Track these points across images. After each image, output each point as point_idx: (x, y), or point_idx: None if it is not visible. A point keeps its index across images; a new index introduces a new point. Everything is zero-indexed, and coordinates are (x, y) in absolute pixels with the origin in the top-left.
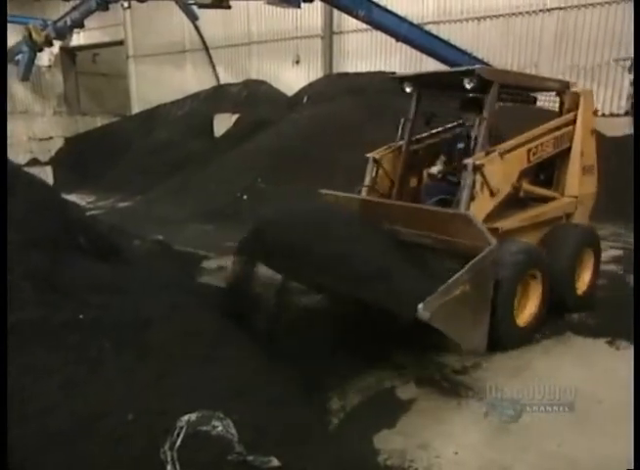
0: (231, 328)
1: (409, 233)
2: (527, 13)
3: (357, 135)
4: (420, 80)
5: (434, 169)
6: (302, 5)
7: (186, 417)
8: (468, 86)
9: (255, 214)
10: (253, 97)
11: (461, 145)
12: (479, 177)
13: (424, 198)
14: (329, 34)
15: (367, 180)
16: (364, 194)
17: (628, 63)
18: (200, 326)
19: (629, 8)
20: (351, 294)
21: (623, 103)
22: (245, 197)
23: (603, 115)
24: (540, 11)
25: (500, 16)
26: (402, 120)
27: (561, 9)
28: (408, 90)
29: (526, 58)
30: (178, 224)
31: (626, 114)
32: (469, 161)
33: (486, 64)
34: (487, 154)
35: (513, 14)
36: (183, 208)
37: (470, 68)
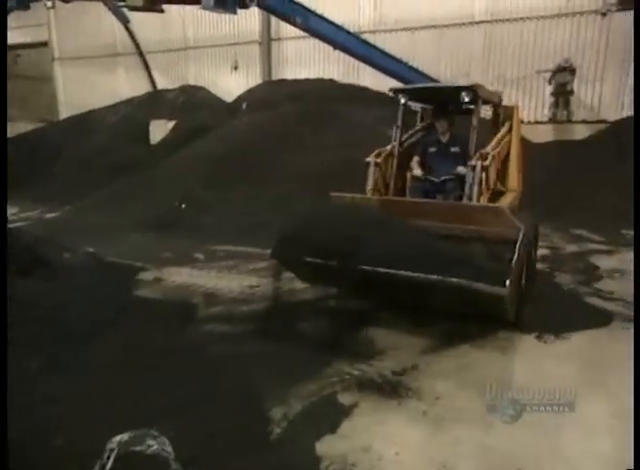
0: (167, 341)
1: (437, 226)
2: (458, 25)
3: (297, 141)
4: (414, 92)
5: (418, 172)
6: (239, 11)
7: (117, 438)
8: (466, 99)
9: (195, 223)
10: (191, 103)
11: (433, 149)
12: (484, 176)
13: (411, 197)
14: (267, 41)
15: (371, 182)
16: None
17: (548, 74)
18: (135, 341)
19: (549, 23)
20: (441, 278)
21: (546, 111)
22: (183, 205)
23: (529, 122)
24: (470, 23)
25: (433, 27)
26: (394, 127)
27: (488, 22)
28: (403, 101)
29: (459, 68)
30: (112, 235)
31: (549, 121)
32: (477, 162)
33: (423, 73)
34: (483, 156)
35: (445, 25)
36: (118, 217)
37: (468, 84)
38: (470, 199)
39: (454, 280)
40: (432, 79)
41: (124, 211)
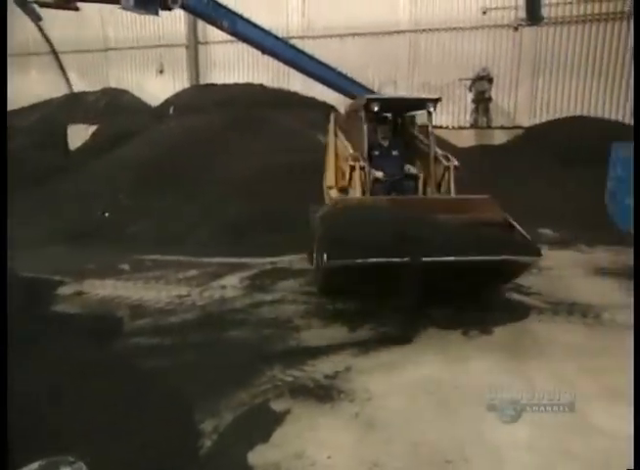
0: (89, 357)
1: (445, 217)
2: (384, 33)
3: (226, 146)
4: (385, 102)
5: (379, 174)
6: (164, 13)
7: (27, 467)
8: (431, 109)
9: (120, 232)
10: (114, 107)
11: (377, 152)
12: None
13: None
14: (194, 44)
15: (359, 184)
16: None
17: (469, 83)
18: (54, 359)
19: (468, 35)
20: (494, 257)
21: (468, 117)
22: (107, 214)
23: (453, 128)
24: (395, 32)
25: (361, 34)
26: (363, 132)
27: (412, 31)
28: (376, 109)
29: (386, 75)
30: (28, 248)
31: (471, 127)
32: (453, 163)
33: (352, 80)
34: (446, 158)
35: (372, 33)
36: (35, 229)
37: (434, 96)
38: (448, 192)
39: (505, 257)
40: (360, 86)
41: (42, 221)
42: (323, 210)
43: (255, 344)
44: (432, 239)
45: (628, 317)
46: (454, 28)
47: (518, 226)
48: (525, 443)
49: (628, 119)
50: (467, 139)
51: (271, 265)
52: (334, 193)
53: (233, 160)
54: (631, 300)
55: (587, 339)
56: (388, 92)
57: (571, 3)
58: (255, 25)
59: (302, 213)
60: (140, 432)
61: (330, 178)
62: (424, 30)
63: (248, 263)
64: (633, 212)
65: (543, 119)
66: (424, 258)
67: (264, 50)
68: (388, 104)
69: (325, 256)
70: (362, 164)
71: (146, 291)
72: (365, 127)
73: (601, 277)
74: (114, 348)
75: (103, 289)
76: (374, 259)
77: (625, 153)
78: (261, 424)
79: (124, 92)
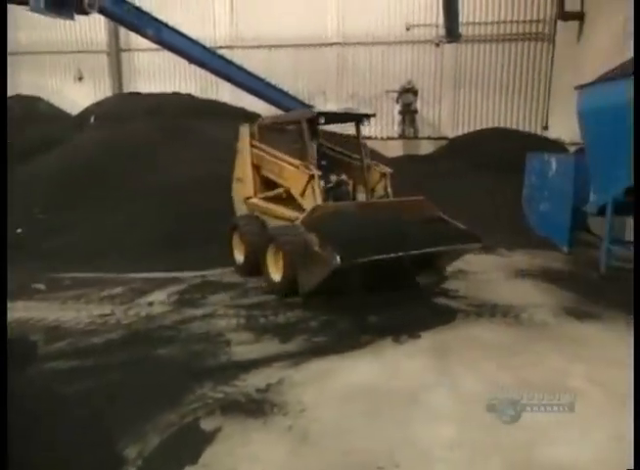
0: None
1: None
2: (313, 45)
3: (152, 157)
4: (330, 116)
5: (331, 181)
6: (81, 18)
7: None
8: (366, 123)
9: (35, 249)
10: (27, 116)
11: (324, 162)
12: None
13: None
14: (115, 51)
15: (319, 192)
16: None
17: (395, 95)
18: None
19: (393, 49)
20: (453, 247)
21: (396, 128)
22: (19, 230)
23: (382, 138)
24: (323, 44)
25: (290, 46)
26: (311, 145)
27: (339, 44)
28: (322, 121)
29: (316, 86)
30: None
31: (399, 137)
32: (388, 170)
33: (281, 90)
34: (377, 165)
35: (301, 45)
36: None
37: (370, 112)
38: (388, 196)
39: (461, 246)
40: (290, 96)
41: None
42: (310, 215)
43: (185, 361)
44: (409, 235)
45: (544, 316)
46: (380, 43)
47: (451, 220)
48: (452, 440)
49: (541, 131)
50: (396, 149)
51: (201, 279)
52: (262, 203)
53: (160, 170)
54: (547, 299)
55: (507, 338)
56: (318, 103)
57: (487, 23)
58: (182, 34)
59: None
60: (55, 466)
61: (249, 189)
62: (351, 44)
63: (177, 278)
64: (633, 212)
65: (465, 131)
66: (412, 252)
67: (191, 59)
68: (331, 117)
69: (338, 257)
70: (319, 173)
71: (64, 311)
72: (310, 139)
73: (520, 279)
74: (27, 374)
75: (14, 311)
76: (377, 257)
77: (538, 163)
78: (190, 445)
79: (38, 99)
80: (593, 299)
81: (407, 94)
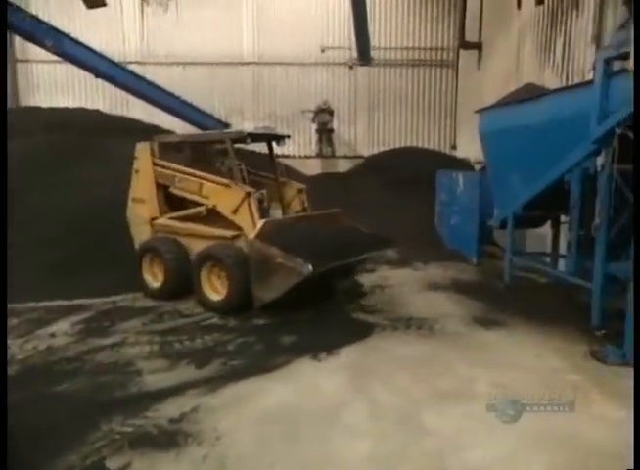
0: None
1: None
2: (229, 64)
3: (55, 177)
4: (255, 135)
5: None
6: None
7: None
8: (282, 144)
9: None
10: None
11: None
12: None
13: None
14: (12, 61)
15: (257, 209)
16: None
17: (312, 114)
18: None
19: (309, 69)
20: (375, 252)
21: (314, 147)
22: None
23: (299, 157)
24: (239, 63)
25: (205, 63)
26: (238, 166)
27: (255, 63)
28: (249, 141)
29: (232, 104)
30: None
31: (317, 156)
32: (303, 186)
33: (196, 108)
34: (290, 182)
35: (216, 63)
36: None
37: (287, 134)
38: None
39: (380, 251)
40: (206, 114)
41: None
42: (263, 230)
43: (89, 395)
44: (350, 244)
45: (456, 326)
46: (296, 63)
47: (363, 229)
48: (367, 454)
49: (449, 150)
50: (314, 167)
51: (111, 305)
52: (175, 223)
53: (64, 189)
54: (458, 309)
55: (421, 350)
56: (235, 121)
57: (397, 48)
58: (87, 47)
59: None
60: None
61: (153, 210)
62: (268, 63)
63: (83, 305)
64: (633, 213)
65: (380, 149)
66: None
67: (97, 73)
68: (256, 137)
69: (309, 266)
70: (254, 190)
71: None
72: (235, 158)
73: (433, 291)
74: None
75: None
76: (335, 264)
77: (447, 180)
78: None
79: None
80: (499, 307)
81: (323, 114)
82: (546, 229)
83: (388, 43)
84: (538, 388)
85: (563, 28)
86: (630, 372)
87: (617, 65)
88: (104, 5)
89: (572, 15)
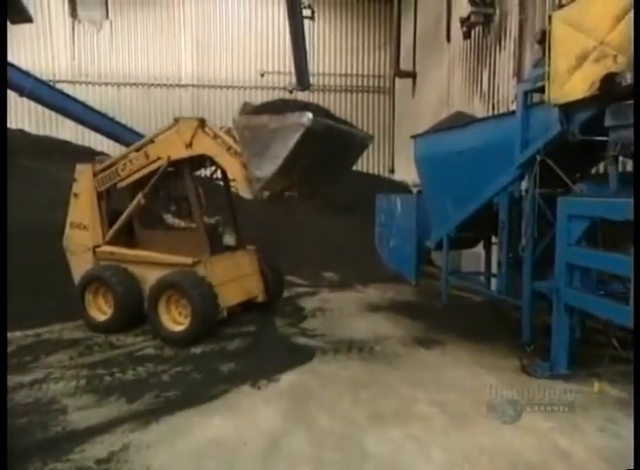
0: None
1: None
2: (166, 85)
3: None
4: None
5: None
6: None
7: None
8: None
9: None
10: None
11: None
12: None
13: None
14: None
15: None
16: None
17: None
18: None
19: (249, 93)
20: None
21: None
22: None
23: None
24: (177, 85)
25: (139, 84)
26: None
27: (194, 86)
28: (207, 165)
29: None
30: None
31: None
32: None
33: (130, 129)
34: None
35: (152, 84)
36: None
37: None
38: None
39: None
40: (140, 136)
41: None
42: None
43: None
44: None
45: (395, 347)
46: (236, 86)
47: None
48: None
49: (388, 174)
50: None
51: (34, 338)
52: (126, 251)
53: None
54: (397, 330)
55: (361, 372)
56: None
57: (335, 75)
58: (10, 64)
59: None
60: None
61: (96, 236)
62: (207, 86)
63: None
64: (633, 214)
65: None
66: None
67: (22, 92)
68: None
69: (309, 113)
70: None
71: None
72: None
73: (374, 313)
74: None
75: None
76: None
77: (386, 202)
78: None
79: None
80: (436, 326)
81: None
82: (480, 249)
83: (326, 69)
84: (476, 406)
85: (488, 61)
86: (557, 384)
87: (535, 97)
88: (30, 21)
89: (496, 49)
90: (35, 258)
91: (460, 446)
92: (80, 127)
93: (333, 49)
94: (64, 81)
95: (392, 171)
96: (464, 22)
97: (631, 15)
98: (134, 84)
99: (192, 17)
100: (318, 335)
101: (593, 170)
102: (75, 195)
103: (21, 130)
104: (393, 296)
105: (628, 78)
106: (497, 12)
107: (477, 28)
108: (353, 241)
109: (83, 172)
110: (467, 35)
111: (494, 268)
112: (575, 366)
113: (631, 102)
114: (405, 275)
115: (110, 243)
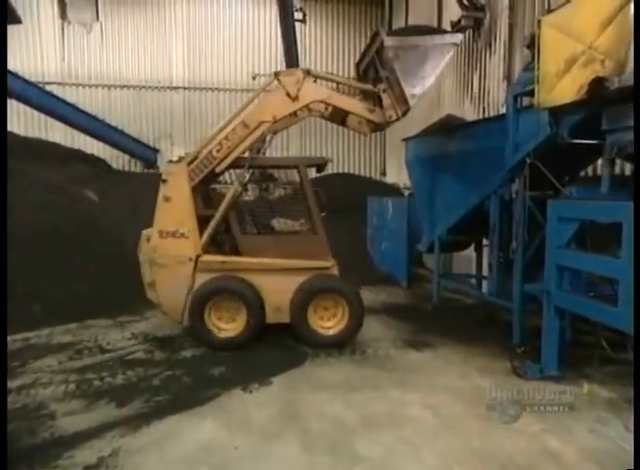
0: None
1: None
2: (157, 88)
3: None
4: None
5: None
6: None
7: None
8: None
9: None
10: None
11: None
12: None
13: None
14: None
15: None
16: None
17: None
18: None
19: (241, 95)
20: None
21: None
22: None
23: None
24: (169, 88)
25: (130, 87)
26: None
27: (185, 88)
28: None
29: (161, 128)
30: None
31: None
32: None
33: (121, 131)
34: None
35: (143, 86)
36: None
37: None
38: None
39: None
40: (132, 138)
41: None
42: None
43: None
44: None
45: (387, 349)
46: (227, 89)
47: None
48: None
49: (380, 177)
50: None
51: (22, 343)
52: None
53: None
54: (390, 333)
55: (353, 375)
56: (164, 146)
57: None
58: None
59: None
60: None
61: (194, 245)
62: (198, 88)
63: None
64: (633, 214)
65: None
66: None
67: (11, 94)
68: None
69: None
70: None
71: None
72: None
73: (366, 315)
74: None
75: None
76: None
77: (377, 205)
78: None
79: None
80: (427, 329)
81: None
82: (471, 251)
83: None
84: (467, 408)
85: (478, 65)
86: (547, 385)
87: (525, 100)
88: (19, 22)
89: (486, 53)
90: (23, 262)
91: (451, 448)
92: (70, 129)
93: (324, 52)
94: (53, 83)
95: (384, 174)
96: (454, 25)
97: (619, 19)
98: (125, 86)
99: (183, 19)
100: None
101: (582, 173)
102: (167, 199)
103: (9, 132)
104: (385, 298)
105: (616, 82)
106: (487, 16)
107: (467, 32)
108: (345, 243)
109: (175, 173)
110: None
111: (485, 271)
112: (565, 368)
113: (628, 105)
114: (397, 277)
115: (205, 251)
